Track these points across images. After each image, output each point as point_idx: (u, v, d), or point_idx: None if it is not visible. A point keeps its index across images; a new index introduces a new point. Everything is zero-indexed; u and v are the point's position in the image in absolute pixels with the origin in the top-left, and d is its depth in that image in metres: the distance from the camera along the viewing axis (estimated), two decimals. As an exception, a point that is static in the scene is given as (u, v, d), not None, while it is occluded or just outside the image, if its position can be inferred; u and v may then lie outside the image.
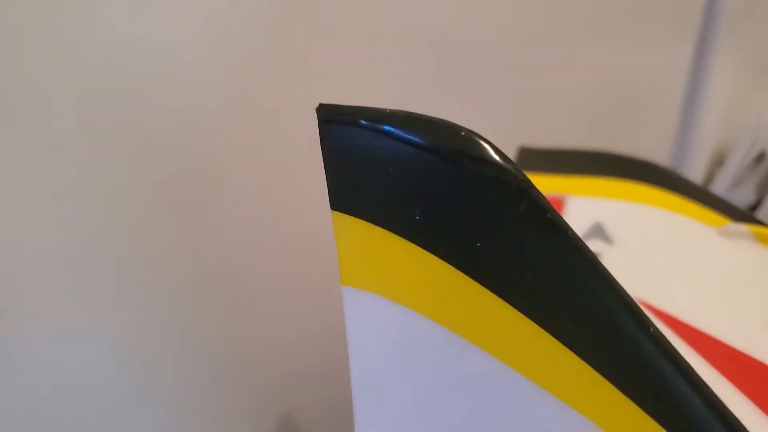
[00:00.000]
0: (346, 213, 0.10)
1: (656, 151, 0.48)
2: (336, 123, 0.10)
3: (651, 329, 0.09)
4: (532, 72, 0.41)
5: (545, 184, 0.23)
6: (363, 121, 0.09)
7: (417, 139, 0.09)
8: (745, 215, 0.19)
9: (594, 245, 0.19)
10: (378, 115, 0.09)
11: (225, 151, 0.30)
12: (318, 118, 0.10)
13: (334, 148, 0.10)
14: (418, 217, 0.09)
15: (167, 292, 0.30)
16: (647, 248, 0.19)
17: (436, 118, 0.09)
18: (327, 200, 0.10)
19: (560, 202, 0.21)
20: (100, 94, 0.26)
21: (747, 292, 0.16)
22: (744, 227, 0.18)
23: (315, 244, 0.30)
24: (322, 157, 0.10)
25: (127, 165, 0.27)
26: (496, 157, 0.09)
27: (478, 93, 0.39)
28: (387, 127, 0.09)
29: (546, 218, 0.09)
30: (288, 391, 0.37)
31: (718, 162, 0.47)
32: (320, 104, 0.10)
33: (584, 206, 0.21)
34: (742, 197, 0.42)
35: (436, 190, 0.09)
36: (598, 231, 0.19)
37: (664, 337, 0.09)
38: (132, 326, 0.30)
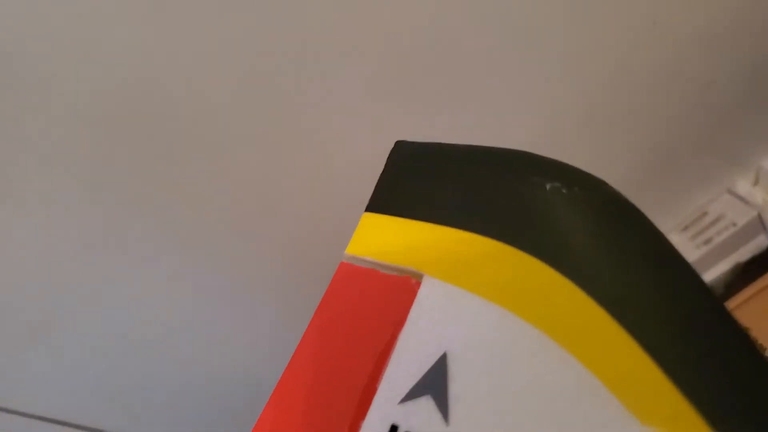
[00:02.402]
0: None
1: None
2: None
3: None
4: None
5: (398, 245, 0.14)
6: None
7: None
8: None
9: (423, 413, 0.13)
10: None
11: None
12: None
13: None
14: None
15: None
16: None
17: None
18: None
19: (415, 287, 0.14)
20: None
21: None
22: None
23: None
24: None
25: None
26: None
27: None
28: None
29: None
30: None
31: None
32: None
33: (440, 307, 0.13)
34: None
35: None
36: (438, 381, 0.13)
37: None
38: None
